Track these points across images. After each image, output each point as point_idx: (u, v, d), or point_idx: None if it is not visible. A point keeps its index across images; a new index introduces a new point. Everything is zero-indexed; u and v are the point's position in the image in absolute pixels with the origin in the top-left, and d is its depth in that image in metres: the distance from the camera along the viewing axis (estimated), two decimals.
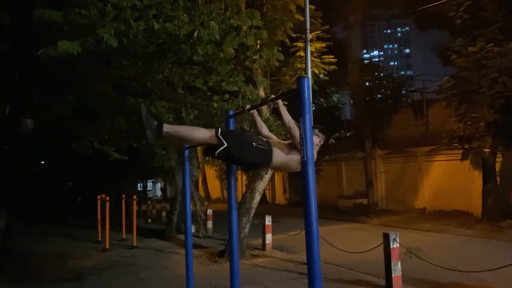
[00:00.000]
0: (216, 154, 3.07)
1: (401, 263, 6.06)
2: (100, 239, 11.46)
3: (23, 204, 14.27)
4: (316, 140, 3.27)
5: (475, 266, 6.29)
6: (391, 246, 5.99)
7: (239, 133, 3.45)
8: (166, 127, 3.04)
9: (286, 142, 3.38)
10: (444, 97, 12.86)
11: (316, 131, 3.31)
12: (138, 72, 6.22)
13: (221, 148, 3.04)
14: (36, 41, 4.94)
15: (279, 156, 3.21)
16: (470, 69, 11.42)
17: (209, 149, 3.18)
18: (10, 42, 5.99)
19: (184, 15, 4.73)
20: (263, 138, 3.37)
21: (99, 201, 11.90)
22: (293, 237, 9.27)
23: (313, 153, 2.48)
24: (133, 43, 4.81)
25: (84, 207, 19.76)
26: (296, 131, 3.12)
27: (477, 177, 12.80)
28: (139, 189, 29.49)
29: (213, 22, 4.64)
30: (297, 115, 2.51)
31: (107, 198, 11.27)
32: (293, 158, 3.20)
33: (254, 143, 3.15)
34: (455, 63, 11.97)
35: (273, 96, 3.33)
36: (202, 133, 3.13)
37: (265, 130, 3.70)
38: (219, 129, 3.12)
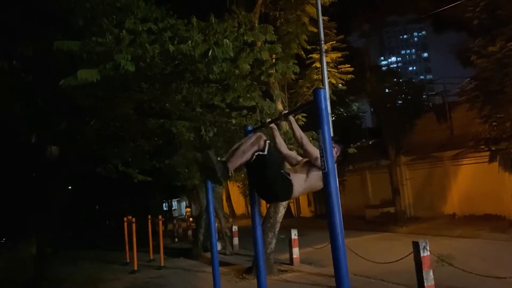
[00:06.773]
0: (254, 156, 3.12)
1: (433, 272, 5.90)
2: (128, 260, 11.55)
3: (53, 230, 14.54)
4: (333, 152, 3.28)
5: None
6: (422, 255, 5.84)
7: (277, 155, 3.50)
8: (229, 162, 3.08)
9: (303, 161, 3.38)
10: (466, 99, 12.58)
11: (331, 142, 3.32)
12: (157, 93, 6.33)
13: (261, 153, 3.12)
14: (57, 70, 5.09)
15: (299, 186, 3.23)
16: (492, 69, 11.16)
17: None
18: (33, 73, 6.19)
19: (199, 35, 4.80)
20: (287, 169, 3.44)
21: (125, 223, 12.02)
22: (320, 250, 9.13)
23: (334, 164, 2.46)
24: (150, 66, 4.90)
25: (111, 230, 19.98)
26: (310, 147, 3.14)
27: (507, 179, 12.44)
28: (165, 208, 29.70)
29: (227, 40, 4.70)
30: (316, 126, 2.50)
31: (134, 219, 11.39)
32: (312, 179, 3.21)
33: (282, 171, 3.25)
34: (475, 64, 11.72)
35: (286, 111, 3.35)
36: (253, 138, 3.22)
37: (284, 148, 3.70)
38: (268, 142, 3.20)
